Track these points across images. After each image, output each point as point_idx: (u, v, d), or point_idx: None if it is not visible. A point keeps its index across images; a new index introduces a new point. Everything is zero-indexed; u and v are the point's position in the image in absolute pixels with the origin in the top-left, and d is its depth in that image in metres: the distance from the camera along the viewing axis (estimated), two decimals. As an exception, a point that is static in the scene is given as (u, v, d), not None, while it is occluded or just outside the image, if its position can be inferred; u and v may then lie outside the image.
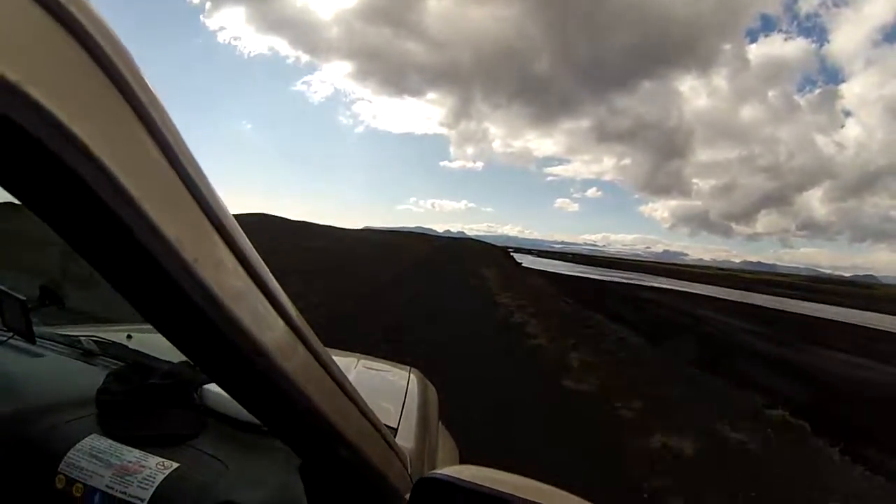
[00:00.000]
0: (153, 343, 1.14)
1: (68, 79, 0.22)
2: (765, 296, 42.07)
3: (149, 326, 0.87)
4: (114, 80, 0.24)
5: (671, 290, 33.27)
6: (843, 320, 23.40)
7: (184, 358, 0.98)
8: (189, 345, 0.36)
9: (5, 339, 1.03)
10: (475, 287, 15.23)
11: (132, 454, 0.79)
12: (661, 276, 71.49)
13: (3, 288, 0.99)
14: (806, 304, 36.94)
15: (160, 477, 0.76)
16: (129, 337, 1.22)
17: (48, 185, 0.23)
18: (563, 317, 10.58)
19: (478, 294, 13.41)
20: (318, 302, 7.96)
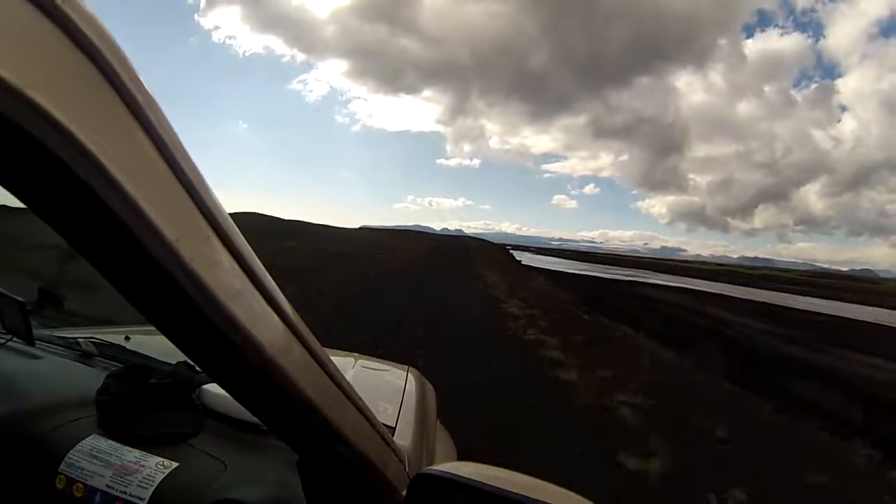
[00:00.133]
0: (151, 344, 1.17)
1: (65, 79, 0.23)
2: (769, 292, 41.14)
3: (147, 328, 1.04)
4: (110, 80, 0.24)
5: (676, 287, 32.24)
6: (859, 318, 22.36)
7: (182, 358, 1.00)
8: (187, 343, 0.36)
9: (4, 341, 1.03)
10: (478, 292, 13.52)
11: (132, 454, 0.80)
12: (662, 272, 70.81)
13: (1, 290, 0.99)
14: (813, 300, 36.01)
15: (160, 476, 0.76)
16: (127, 338, 1.22)
17: (46, 182, 0.23)
18: (581, 330, 8.68)
19: (482, 301, 11.62)
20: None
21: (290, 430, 0.51)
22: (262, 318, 0.38)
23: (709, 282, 49.37)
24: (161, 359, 1.06)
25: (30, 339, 1.00)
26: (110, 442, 0.82)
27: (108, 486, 0.76)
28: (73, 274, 1.34)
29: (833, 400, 6.09)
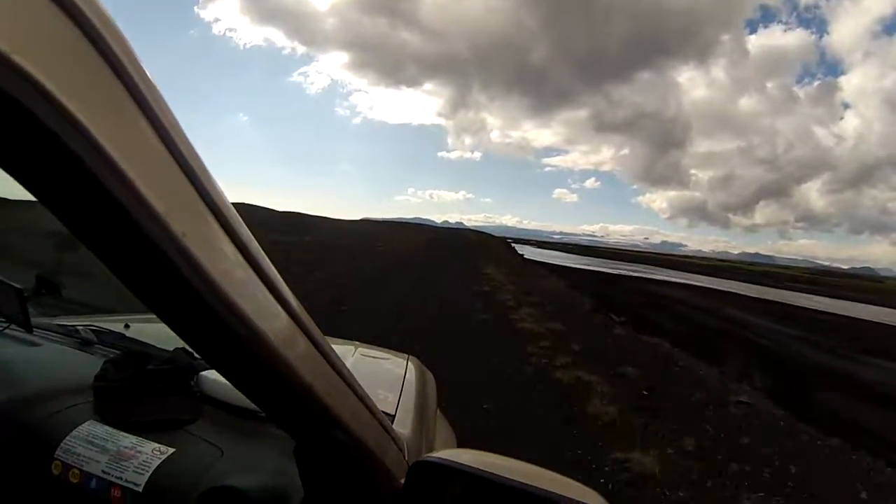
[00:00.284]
0: (151, 332, 1.16)
1: (71, 67, 0.23)
2: (777, 290, 40.23)
3: (146, 316, 1.01)
4: (113, 67, 0.24)
5: (685, 284, 31.32)
6: (876, 320, 21.44)
7: (181, 345, 1.00)
8: (188, 331, 0.36)
9: (2, 328, 1.03)
10: (482, 297, 10.90)
11: (128, 440, 0.80)
12: (664, 267, 70.09)
13: None
14: (822, 299, 35.08)
15: (156, 462, 0.76)
16: (126, 326, 1.22)
17: (53, 172, 0.24)
18: (622, 355, 6.40)
19: (489, 312, 8.89)
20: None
21: (290, 417, 0.51)
22: (264, 306, 0.38)
23: (714, 278, 48.51)
24: (161, 346, 1.05)
25: (28, 327, 1.00)
26: (107, 428, 0.81)
27: (103, 471, 0.75)
28: (72, 262, 1.34)
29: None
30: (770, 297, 28.16)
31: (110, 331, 1.17)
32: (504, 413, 4.02)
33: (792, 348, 10.85)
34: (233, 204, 0.35)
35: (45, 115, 0.21)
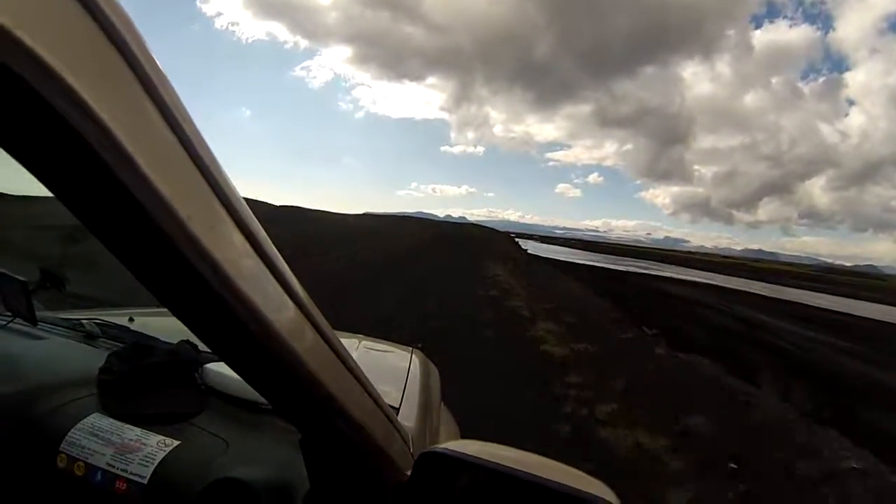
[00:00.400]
0: (155, 325, 1.17)
1: (85, 53, 0.23)
2: (790, 289, 39.17)
3: (150, 309, 1.12)
4: (126, 58, 0.25)
5: (694, 282, 30.36)
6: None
7: (185, 338, 1.01)
8: (197, 322, 0.36)
9: (7, 321, 1.04)
10: (489, 305, 9.05)
11: (133, 432, 0.80)
12: (669, 263, 69.10)
13: (4, 271, 0.99)
14: (837, 298, 34.05)
15: (161, 455, 0.76)
16: (130, 320, 1.22)
17: (62, 159, 0.24)
18: (678, 391, 5.07)
19: (499, 327, 7.14)
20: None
21: (296, 408, 0.51)
22: (272, 296, 0.38)
23: (721, 276, 47.49)
24: (165, 339, 1.05)
25: (32, 320, 1.00)
26: (111, 420, 0.82)
27: (108, 464, 0.75)
28: (75, 255, 1.34)
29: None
30: (783, 297, 27.27)
31: (114, 324, 1.17)
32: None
33: (826, 357, 9.96)
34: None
35: (58, 102, 0.21)
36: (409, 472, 0.64)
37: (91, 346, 1.08)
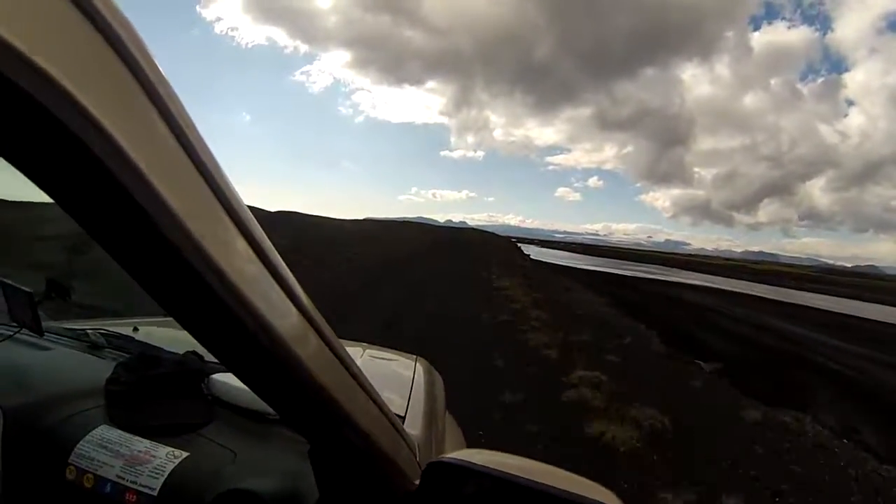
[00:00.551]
0: (159, 335, 1.18)
1: (87, 62, 0.23)
2: (800, 292, 38.18)
3: (154, 318, 1.15)
4: (129, 66, 0.24)
5: (707, 288, 29.33)
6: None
7: (190, 348, 1.01)
8: (203, 331, 0.36)
9: (13, 332, 1.03)
10: (503, 336, 7.07)
11: (142, 444, 0.80)
12: (672, 266, 68.19)
13: (10, 282, 0.99)
14: (851, 302, 33.02)
15: (170, 466, 0.76)
16: (135, 329, 1.22)
17: (67, 166, 0.24)
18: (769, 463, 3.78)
19: (521, 382, 4.90)
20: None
21: (304, 419, 0.50)
22: (278, 306, 0.37)
23: (728, 279, 46.49)
24: (170, 349, 1.05)
25: (39, 330, 1.00)
26: (120, 432, 0.81)
27: (118, 476, 0.75)
28: (79, 264, 1.33)
29: None
30: (801, 301, 26.24)
31: (119, 334, 1.17)
32: None
33: (878, 378, 8.72)
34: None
35: (58, 110, 0.21)
36: (416, 482, 0.64)
37: (97, 357, 1.08)
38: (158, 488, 0.74)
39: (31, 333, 1.01)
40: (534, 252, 54.35)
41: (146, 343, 1.12)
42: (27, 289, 0.98)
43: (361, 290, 9.65)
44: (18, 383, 0.88)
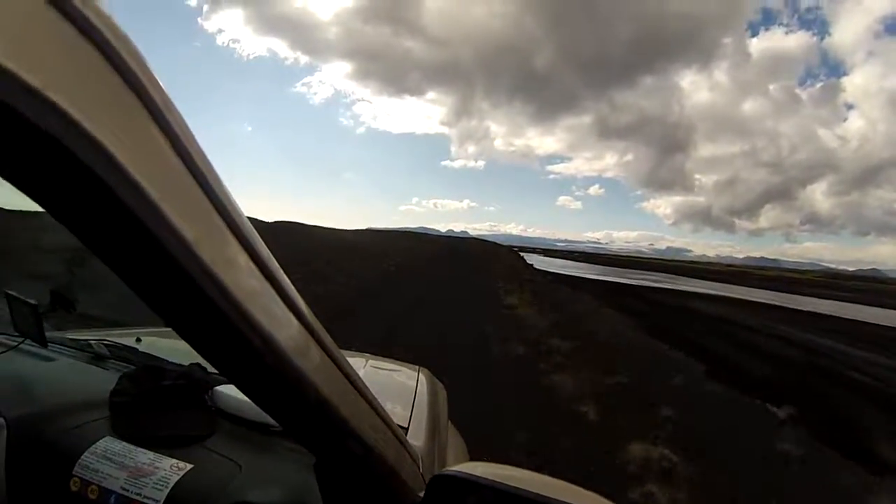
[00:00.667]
0: (163, 346, 1.18)
1: (84, 80, 0.23)
2: (814, 299, 36.65)
3: (158, 329, 1.16)
4: (128, 81, 0.25)
5: (721, 297, 27.79)
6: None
7: (194, 360, 1.01)
8: (205, 344, 0.36)
9: (17, 343, 1.03)
10: (519, 377, 5.47)
11: (146, 456, 0.80)
12: (677, 274, 66.91)
13: (14, 293, 0.99)
14: (871, 310, 31.48)
15: (175, 478, 0.76)
16: (138, 340, 1.22)
17: (65, 183, 0.23)
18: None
19: (550, 449, 3.52)
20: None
21: (308, 431, 0.50)
22: (279, 318, 0.37)
23: (736, 287, 44.91)
24: (173, 360, 1.05)
25: (42, 342, 1.01)
26: (124, 444, 0.81)
27: (122, 488, 0.75)
28: (84, 276, 1.32)
29: None
30: (822, 310, 24.66)
31: (123, 345, 1.17)
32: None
33: None
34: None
35: (54, 127, 0.21)
36: (421, 494, 0.63)
37: (101, 368, 1.08)
38: (163, 500, 0.73)
39: (34, 344, 1.02)
40: (536, 261, 53.11)
41: (150, 354, 1.12)
42: (32, 301, 0.98)
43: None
44: (23, 394, 0.89)
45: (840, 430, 5.14)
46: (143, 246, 0.26)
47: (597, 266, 67.73)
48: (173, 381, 0.94)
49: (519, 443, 3.67)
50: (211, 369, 0.98)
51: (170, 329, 0.35)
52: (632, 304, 16.94)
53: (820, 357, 10.30)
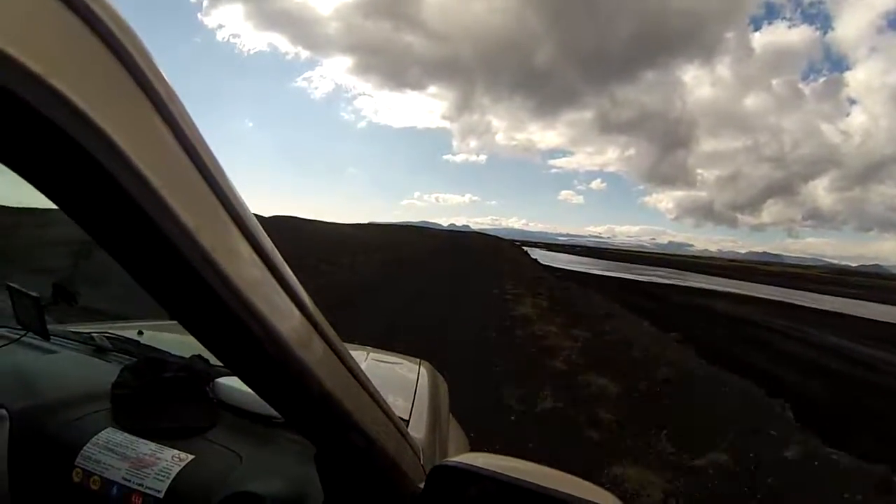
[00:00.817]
0: (164, 339, 1.18)
1: (87, 70, 0.23)
2: (829, 297, 35.27)
3: (160, 322, 1.16)
4: (132, 72, 0.25)
5: (739, 295, 26.38)
6: None
7: (195, 352, 1.02)
8: (206, 334, 0.36)
9: (20, 336, 1.04)
10: (560, 454, 3.49)
11: (148, 447, 0.80)
12: (680, 269, 65.76)
13: (17, 286, 1.00)
14: (878, 306, 30.19)
15: (176, 469, 0.77)
16: (140, 333, 1.22)
17: (67, 170, 0.24)
18: None
19: None
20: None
21: (309, 422, 0.50)
22: (281, 309, 0.37)
23: (744, 283, 43.55)
24: (175, 353, 1.05)
25: (45, 334, 1.01)
26: (126, 435, 0.82)
27: (124, 478, 0.76)
28: (87, 269, 1.33)
29: None
30: (848, 311, 23.31)
31: (125, 338, 1.17)
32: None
33: None
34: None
35: (73, 129, 0.21)
36: (421, 485, 0.64)
37: (103, 360, 1.08)
38: (164, 491, 0.74)
39: (37, 337, 1.02)
40: (540, 256, 51.82)
41: (152, 347, 1.12)
42: (34, 293, 0.98)
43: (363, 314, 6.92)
44: (25, 386, 0.89)
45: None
46: (144, 233, 0.26)
47: (601, 261, 66.53)
48: (175, 373, 0.94)
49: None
50: (213, 361, 0.99)
51: (172, 322, 0.35)
52: (658, 308, 14.83)
53: (886, 375, 8.82)
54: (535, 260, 38.51)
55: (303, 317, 0.40)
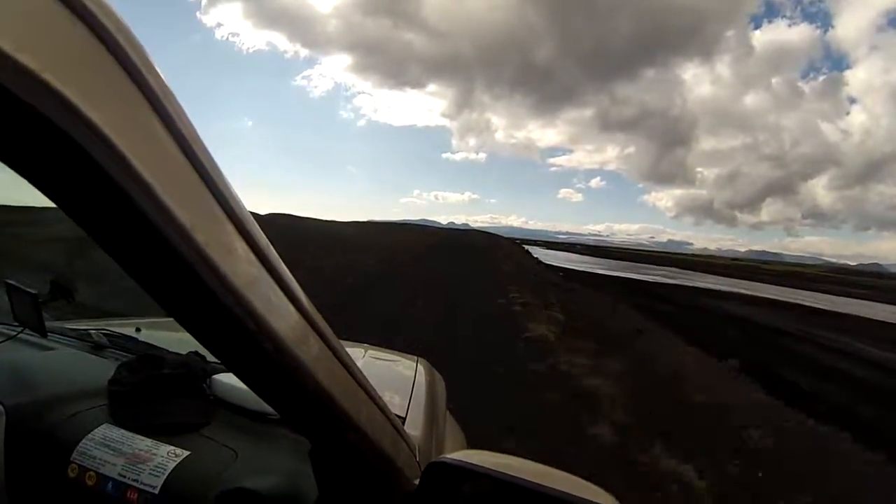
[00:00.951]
0: (162, 336, 1.18)
1: (83, 66, 0.23)
2: (842, 298, 34.42)
3: (157, 319, 1.13)
4: (127, 69, 0.25)
5: (750, 296, 25.47)
6: None
7: (192, 349, 1.02)
8: (202, 331, 0.36)
9: (17, 332, 1.04)
10: None
11: (143, 443, 0.80)
12: (685, 268, 64.83)
13: (14, 283, 0.99)
14: (889, 307, 29.32)
15: (171, 465, 0.77)
16: (137, 330, 1.23)
17: (62, 167, 0.24)
18: None
19: None
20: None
21: (304, 419, 0.50)
22: (277, 306, 0.37)
23: (748, 283, 42.59)
24: (172, 349, 1.05)
25: (42, 331, 1.01)
26: (122, 431, 0.82)
27: (120, 474, 0.75)
28: (85, 266, 1.34)
29: None
30: (863, 314, 22.39)
31: (122, 334, 1.17)
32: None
33: None
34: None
35: (67, 125, 0.22)
36: (416, 482, 0.64)
37: (100, 357, 1.08)
38: (160, 486, 0.74)
39: (34, 333, 1.02)
40: (541, 254, 50.94)
41: (148, 343, 1.13)
42: (32, 290, 0.98)
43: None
44: (21, 383, 0.89)
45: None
46: (139, 229, 0.26)
47: (602, 259, 65.67)
48: (171, 370, 0.94)
49: None
50: (209, 358, 0.99)
51: (169, 319, 0.35)
52: (689, 321, 12.74)
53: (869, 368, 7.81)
54: (538, 259, 37.57)
55: (299, 313, 0.40)
